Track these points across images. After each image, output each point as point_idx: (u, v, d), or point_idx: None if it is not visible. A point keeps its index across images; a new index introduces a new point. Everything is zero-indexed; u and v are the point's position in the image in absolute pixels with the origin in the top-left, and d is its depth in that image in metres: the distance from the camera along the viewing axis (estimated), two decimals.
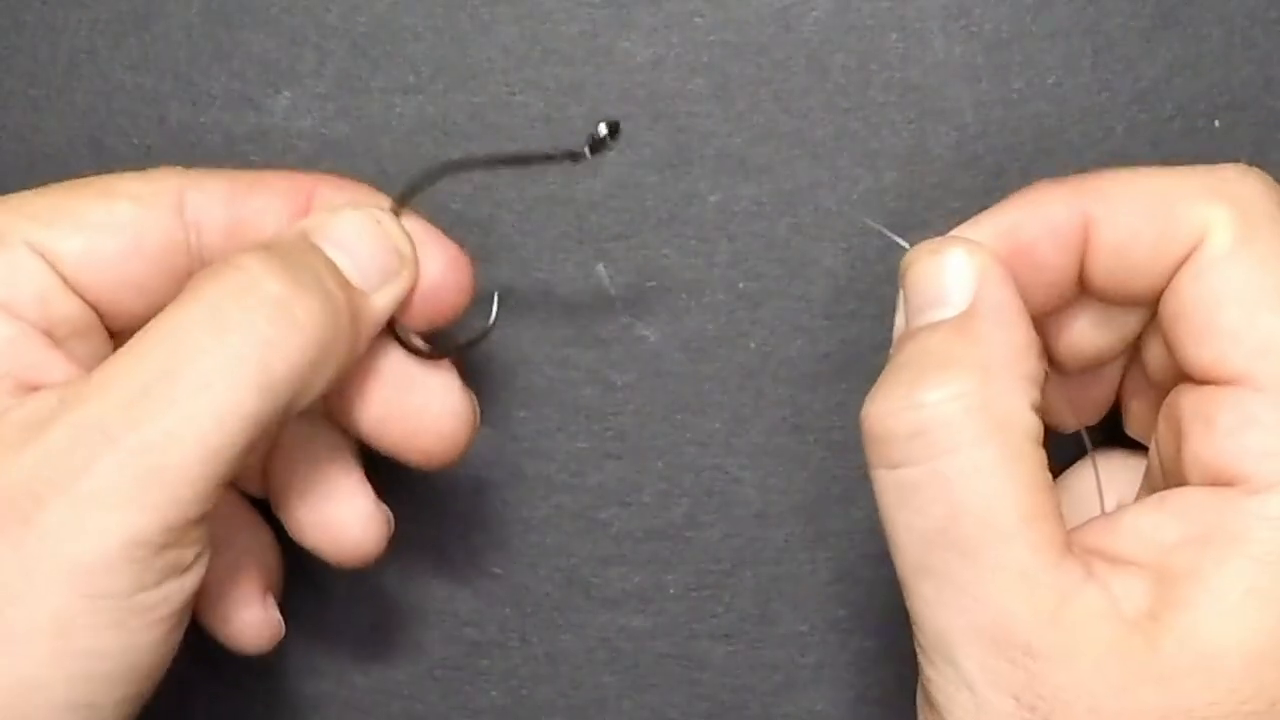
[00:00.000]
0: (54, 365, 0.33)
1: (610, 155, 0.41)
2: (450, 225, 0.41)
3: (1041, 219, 0.33)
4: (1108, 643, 0.30)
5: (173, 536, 0.31)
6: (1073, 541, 0.31)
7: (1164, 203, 0.31)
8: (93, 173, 0.41)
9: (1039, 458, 0.31)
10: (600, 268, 0.41)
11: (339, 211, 0.35)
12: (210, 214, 0.35)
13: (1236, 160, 0.40)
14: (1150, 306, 0.33)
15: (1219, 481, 0.30)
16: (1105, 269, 0.32)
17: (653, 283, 0.41)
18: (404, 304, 0.35)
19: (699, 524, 0.42)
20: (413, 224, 0.36)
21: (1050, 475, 0.32)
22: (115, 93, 0.41)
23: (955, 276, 0.33)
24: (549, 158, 0.35)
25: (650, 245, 0.41)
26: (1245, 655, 0.29)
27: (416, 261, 0.35)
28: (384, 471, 0.42)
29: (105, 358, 0.35)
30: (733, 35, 0.41)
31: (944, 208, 0.40)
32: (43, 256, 0.34)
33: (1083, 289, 0.33)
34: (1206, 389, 0.31)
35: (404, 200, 0.36)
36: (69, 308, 0.34)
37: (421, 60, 0.41)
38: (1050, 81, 0.40)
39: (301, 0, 0.41)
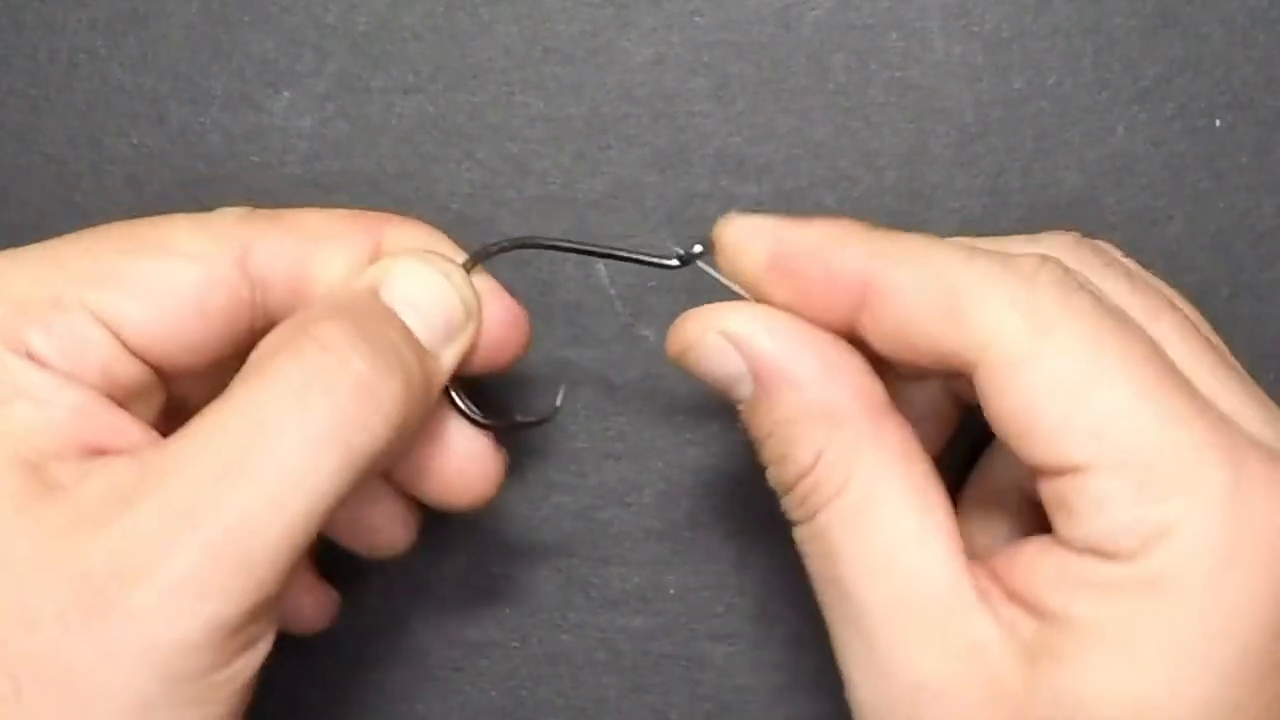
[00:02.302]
0: (123, 428, 0.33)
1: (611, 155, 0.41)
2: (450, 225, 0.41)
3: (818, 264, 0.32)
4: (990, 677, 0.30)
5: (252, 617, 0.31)
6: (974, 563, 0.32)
7: (951, 298, 0.31)
8: (92, 174, 0.41)
9: (908, 477, 0.32)
10: (600, 268, 0.41)
11: (408, 264, 0.35)
12: (276, 269, 0.35)
13: (1239, 160, 0.40)
14: (932, 372, 0.33)
15: (1094, 554, 0.30)
16: (878, 337, 0.32)
17: (653, 283, 0.41)
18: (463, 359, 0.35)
19: (699, 524, 0.42)
20: (479, 281, 0.36)
21: (943, 491, 0.32)
22: (114, 92, 0.41)
23: (725, 365, 0.33)
24: (637, 260, 0.36)
25: (650, 245, 0.41)
26: (1118, 712, 0.29)
27: (481, 316, 0.35)
28: None
29: (167, 411, 0.35)
30: (733, 35, 0.41)
31: (944, 207, 0.40)
32: (104, 324, 0.33)
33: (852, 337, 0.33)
34: (1057, 479, 0.31)
35: (473, 264, 0.36)
36: (132, 372, 0.34)
37: (421, 60, 0.41)
38: (1051, 81, 0.40)
39: (301, 0, 0.41)
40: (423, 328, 0.34)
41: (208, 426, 0.31)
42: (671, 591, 0.42)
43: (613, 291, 0.41)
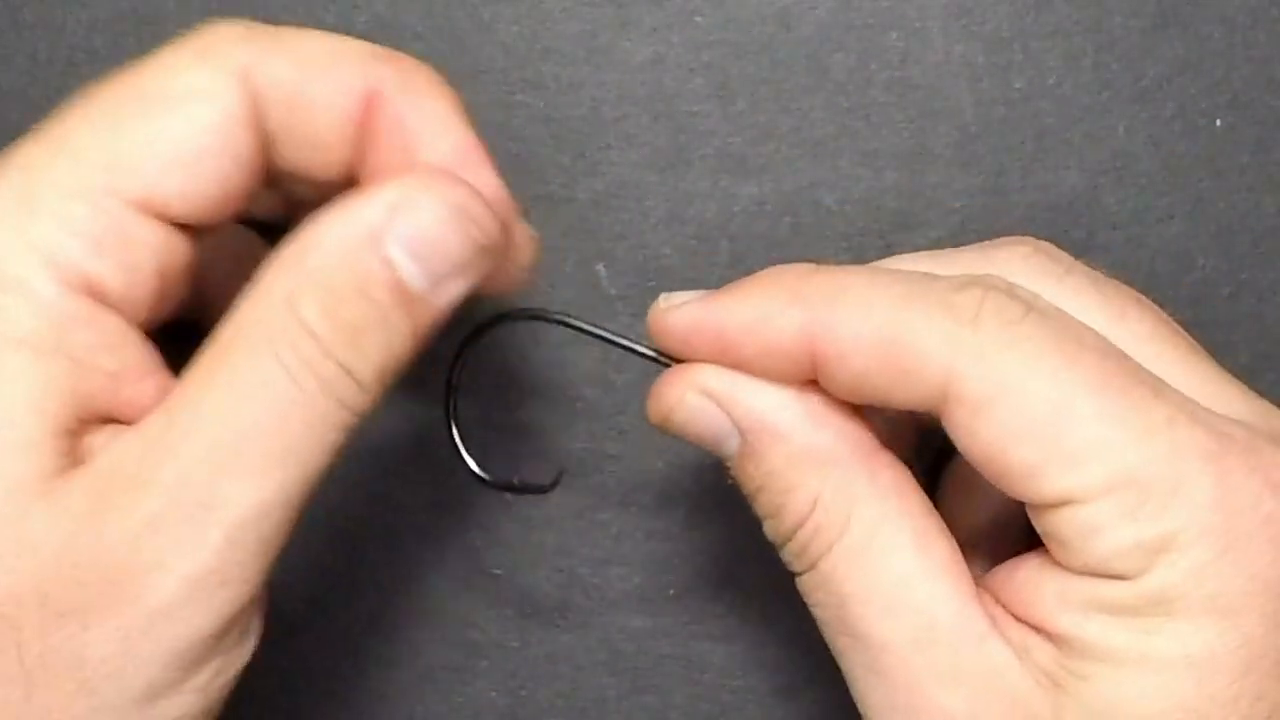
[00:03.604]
0: (150, 381, 0.32)
1: (611, 154, 0.41)
2: None
3: (761, 341, 0.32)
4: (1014, 703, 0.30)
5: (257, 604, 0.31)
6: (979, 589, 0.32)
7: (898, 354, 0.31)
8: None
9: (908, 514, 0.32)
10: (600, 268, 0.41)
11: (417, 200, 0.31)
12: (274, 94, 0.32)
13: (1239, 160, 0.40)
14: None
15: (1095, 576, 0.30)
16: (838, 392, 0.32)
17: (653, 283, 0.41)
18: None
19: (699, 524, 0.42)
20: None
21: (941, 524, 0.32)
22: None
23: (709, 423, 0.33)
24: (639, 353, 0.35)
25: (650, 245, 0.41)
26: None
27: (504, 247, 0.33)
28: (382, 471, 0.42)
29: (166, 305, 0.33)
30: (733, 35, 0.41)
31: (944, 207, 0.40)
32: (150, 211, 0.31)
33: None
34: (1045, 512, 0.31)
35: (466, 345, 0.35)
36: (179, 254, 0.32)
37: (421, 60, 0.41)
38: (1051, 81, 0.40)
39: (301, 0, 0.41)
40: (421, 276, 0.31)
41: (210, 396, 0.30)
42: (671, 591, 0.42)
43: (613, 291, 0.41)
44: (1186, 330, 0.34)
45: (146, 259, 0.31)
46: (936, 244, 0.40)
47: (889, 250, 0.40)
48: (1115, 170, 0.40)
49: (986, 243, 0.35)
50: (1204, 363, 0.33)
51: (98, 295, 0.31)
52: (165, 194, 0.31)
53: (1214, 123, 0.40)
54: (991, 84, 0.40)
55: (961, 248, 0.35)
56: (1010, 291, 0.31)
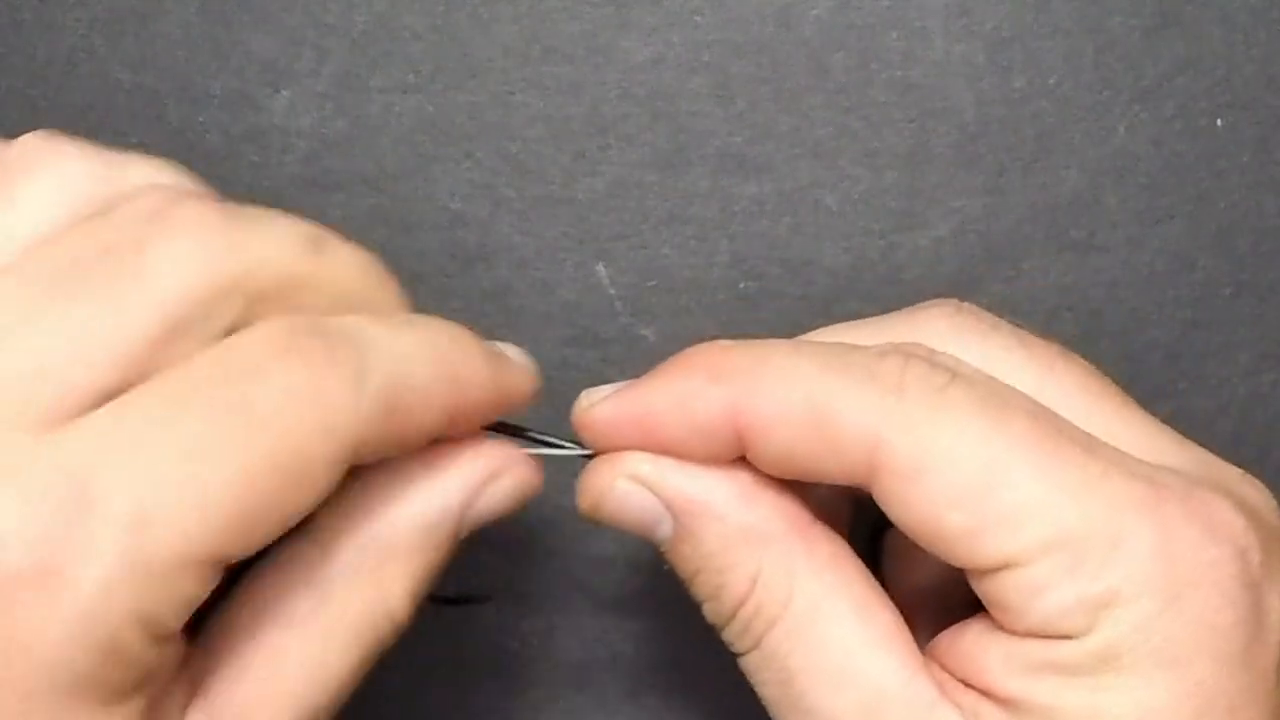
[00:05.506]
0: None
1: (611, 154, 0.41)
2: (450, 225, 0.41)
3: (685, 422, 0.32)
4: None
5: None
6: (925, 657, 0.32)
7: (824, 427, 0.30)
8: None
9: (848, 585, 0.32)
10: (600, 268, 0.41)
11: (504, 483, 0.34)
12: None
13: (1239, 160, 0.40)
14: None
15: (1041, 637, 0.30)
16: (767, 468, 0.32)
17: (653, 283, 0.41)
18: None
19: None
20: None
21: (882, 593, 0.32)
22: (113, 92, 0.41)
23: (641, 508, 0.33)
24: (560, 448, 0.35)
25: (650, 245, 0.41)
26: None
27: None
28: None
29: None
30: (732, 34, 0.41)
31: (945, 207, 0.40)
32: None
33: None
34: (984, 577, 0.30)
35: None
36: None
37: (421, 59, 0.41)
38: (1052, 80, 0.40)
39: (300, 0, 0.41)
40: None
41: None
42: (672, 592, 0.42)
43: (613, 291, 0.41)
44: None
45: None
46: (936, 244, 0.40)
47: (889, 250, 0.40)
48: (1116, 170, 0.40)
49: (909, 308, 0.35)
50: (1136, 414, 0.33)
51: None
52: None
53: (1214, 123, 0.40)
54: (991, 84, 0.40)
55: (884, 315, 0.35)
56: (931, 358, 0.31)
